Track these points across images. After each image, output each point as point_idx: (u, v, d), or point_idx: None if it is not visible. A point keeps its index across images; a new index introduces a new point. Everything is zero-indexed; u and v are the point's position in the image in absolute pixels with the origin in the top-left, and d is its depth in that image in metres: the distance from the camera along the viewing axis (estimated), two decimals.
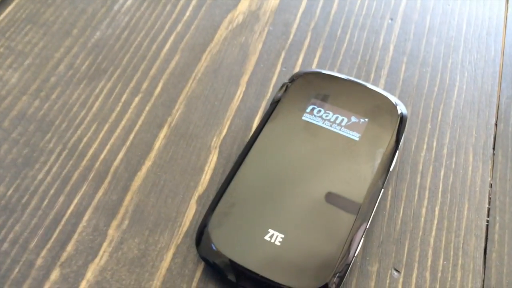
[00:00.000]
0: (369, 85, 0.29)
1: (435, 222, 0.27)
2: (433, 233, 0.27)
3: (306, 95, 0.29)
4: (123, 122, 0.30)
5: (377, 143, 0.27)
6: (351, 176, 0.26)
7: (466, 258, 0.26)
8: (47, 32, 0.35)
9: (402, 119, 0.28)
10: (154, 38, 0.35)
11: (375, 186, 0.25)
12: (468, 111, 0.32)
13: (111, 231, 0.26)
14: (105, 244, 0.26)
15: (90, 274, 0.25)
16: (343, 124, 0.28)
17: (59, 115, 0.31)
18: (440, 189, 0.28)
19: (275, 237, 0.24)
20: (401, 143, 0.27)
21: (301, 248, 0.24)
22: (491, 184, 0.29)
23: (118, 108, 0.31)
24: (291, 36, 0.35)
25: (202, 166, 0.29)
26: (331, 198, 0.25)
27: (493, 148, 0.30)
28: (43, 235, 0.26)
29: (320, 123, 0.28)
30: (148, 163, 0.29)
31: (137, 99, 0.32)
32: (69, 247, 0.26)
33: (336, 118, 0.28)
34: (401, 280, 0.25)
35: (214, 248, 0.24)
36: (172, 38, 0.35)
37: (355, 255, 0.24)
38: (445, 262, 0.26)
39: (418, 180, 0.29)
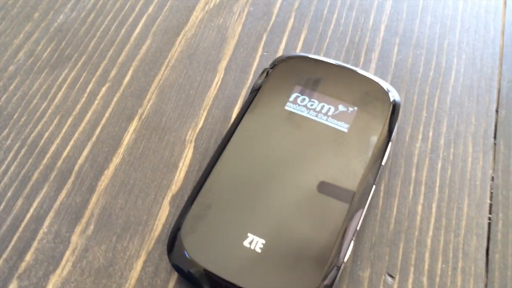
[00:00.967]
0: (358, 70, 0.29)
1: (432, 220, 0.27)
2: (430, 233, 0.26)
3: (289, 82, 0.28)
4: (88, 115, 0.30)
5: (368, 134, 0.26)
6: (339, 172, 0.25)
7: (466, 260, 0.25)
8: (5, 16, 0.35)
9: (395, 107, 0.27)
10: (123, 21, 0.34)
11: (365, 182, 0.25)
12: (467, 97, 0.31)
13: (74, 238, 0.26)
14: (67, 253, 0.25)
15: (51, 286, 0.24)
16: (330, 113, 0.27)
17: (18, 108, 0.30)
18: (437, 184, 0.28)
19: (255, 242, 0.23)
20: (394, 134, 0.27)
21: (284, 255, 0.23)
22: (492, 177, 0.28)
23: (83, 99, 0.31)
24: (273, 17, 0.35)
25: (176, 162, 0.28)
26: (317, 198, 0.24)
27: (494, 137, 0.29)
28: None
29: (305, 113, 0.27)
30: (116, 160, 0.28)
31: (104, 89, 0.31)
32: (28, 257, 0.25)
33: (322, 107, 0.27)
34: (395, 286, 0.24)
35: (187, 255, 0.23)
36: (142, 21, 0.34)
37: (345, 261, 0.23)
38: (443, 265, 0.25)
39: (413, 174, 0.28)
